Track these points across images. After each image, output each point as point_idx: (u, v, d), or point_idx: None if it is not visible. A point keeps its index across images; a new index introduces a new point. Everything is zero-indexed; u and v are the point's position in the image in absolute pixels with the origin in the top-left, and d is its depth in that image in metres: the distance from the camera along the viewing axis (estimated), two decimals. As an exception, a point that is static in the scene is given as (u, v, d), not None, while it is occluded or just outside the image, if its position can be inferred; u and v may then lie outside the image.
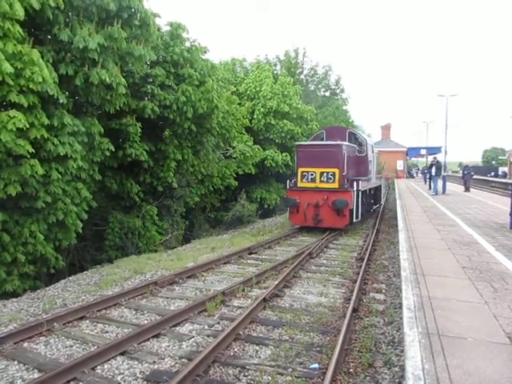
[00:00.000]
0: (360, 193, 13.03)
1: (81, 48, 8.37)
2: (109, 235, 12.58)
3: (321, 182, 12.85)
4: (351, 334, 5.30)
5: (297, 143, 14.05)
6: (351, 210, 12.66)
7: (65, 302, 6.67)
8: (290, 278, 7.91)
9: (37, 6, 7.47)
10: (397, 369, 4.38)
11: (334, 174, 12.66)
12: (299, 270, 8.51)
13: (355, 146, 15.11)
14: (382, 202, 21.04)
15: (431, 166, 22.87)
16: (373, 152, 16.90)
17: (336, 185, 12.66)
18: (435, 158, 24.43)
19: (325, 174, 12.74)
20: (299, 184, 13.18)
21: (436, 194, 22.24)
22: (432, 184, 23.72)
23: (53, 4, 7.86)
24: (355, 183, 12.85)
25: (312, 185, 12.94)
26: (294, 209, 13.03)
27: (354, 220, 12.95)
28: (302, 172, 13.07)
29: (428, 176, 27.63)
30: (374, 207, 19.06)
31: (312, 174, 12.91)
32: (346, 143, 13.62)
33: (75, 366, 4.27)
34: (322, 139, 15.10)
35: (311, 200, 12.69)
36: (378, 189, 19.40)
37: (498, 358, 3.60)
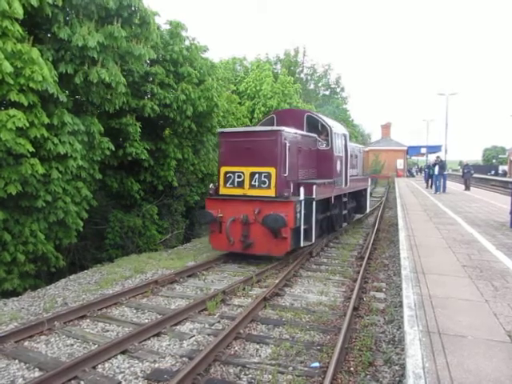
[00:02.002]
0: (314, 203, 9.09)
1: (80, 46, 8.36)
2: (109, 234, 12.59)
3: (251, 187, 8.83)
4: (352, 332, 5.30)
5: (219, 130, 10.01)
6: (296, 229, 8.66)
7: (65, 300, 6.68)
8: (291, 276, 7.92)
9: (35, 3, 7.45)
10: (397, 367, 4.38)
11: (268, 176, 8.66)
12: (299, 269, 8.52)
13: (314, 135, 10.88)
14: (367, 209, 16.34)
15: (435, 164, 22.77)
16: (345, 145, 12.27)
17: (272, 192, 8.63)
18: (438, 156, 24.28)
19: (256, 176, 8.77)
20: (221, 190, 9.20)
21: (437, 192, 22.24)
22: (431, 182, 23.67)
23: (51, 1, 7.85)
24: (303, 189, 8.78)
25: (239, 191, 8.94)
26: (216, 227, 9.01)
27: (303, 243, 8.85)
28: (226, 173, 9.12)
29: (427, 174, 27.61)
30: (358, 216, 16.02)
31: (239, 176, 8.94)
32: (290, 130, 9.31)
33: (76, 364, 4.27)
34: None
35: (237, 214, 8.69)
36: (359, 194, 15.19)
37: (499, 357, 3.61)
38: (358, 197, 15.17)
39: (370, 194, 18.84)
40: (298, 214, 8.61)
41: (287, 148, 8.77)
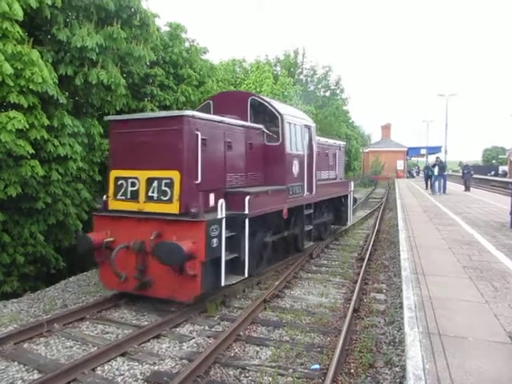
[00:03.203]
0: (247, 221, 6.41)
1: (78, 47, 8.37)
2: (109, 236, 12.57)
3: (148, 199, 6.16)
4: (352, 334, 5.29)
5: (108, 117, 7.04)
6: (215, 262, 5.93)
7: (65, 302, 6.67)
8: (291, 278, 7.90)
9: (34, 4, 7.46)
10: (398, 369, 4.37)
11: (170, 184, 5.97)
12: (299, 271, 8.50)
13: (259, 126, 8.08)
14: (350, 220, 13.44)
15: (434, 165, 22.91)
16: (310, 140, 9.64)
17: (174, 207, 5.93)
18: (438, 157, 24.46)
19: (155, 184, 6.11)
20: (111, 204, 6.53)
21: (437, 193, 22.30)
22: (431, 183, 23.78)
23: (50, 3, 7.87)
24: (223, 202, 6.04)
25: (133, 206, 6.26)
26: (105, 256, 6.25)
27: (225, 282, 6.05)
28: (117, 178, 6.48)
29: (426, 175, 27.70)
30: (342, 229, 13.34)
31: (133, 184, 6.31)
32: (208, 116, 6.69)
33: (75, 367, 4.26)
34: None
35: (132, 239, 6.04)
36: (338, 202, 12.41)
37: (499, 358, 3.60)
38: (337, 205, 12.46)
39: (355, 200, 15.13)
40: (216, 240, 5.84)
41: (199, 142, 5.97)
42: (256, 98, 8.55)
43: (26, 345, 5.04)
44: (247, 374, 4.37)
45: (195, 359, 4.39)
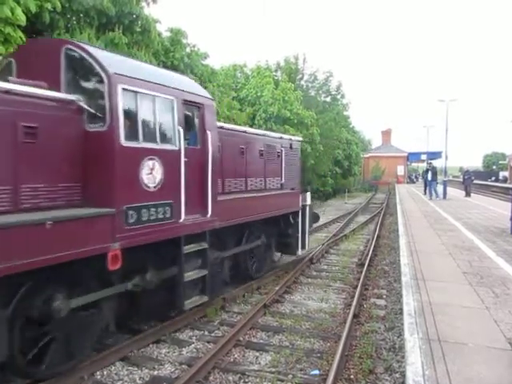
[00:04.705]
0: None
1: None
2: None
3: None
4: (352, 339, 5.28)
5: None
6: None
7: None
8: (291, 283, 7.89)
9: (33, 8, 7.51)
10: (398, 375, 4.35)
11: None
12: (300, 276, 8.48)
13: (69, 98, 4.38)
14: (305, 246, 9.19)
15: (427, 171, 23.41)
16: (203, 125, 5.70)
17: None
18: (430, 163, 25.11)
19: None
20: None
21: (432, 198, 22.40)
22: (428, 189, 24.01)
23: (50, 7, 7.92)
24: None
25: None
26: None
27: None
28: None
29: (425, 181, 27.93)
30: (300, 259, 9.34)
31: None
32: None
33: (74, 372, 4.25)
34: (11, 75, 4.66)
35: None
36: (285, 222, 8.76)
37: (499, 364, 3.59)
38: (285, 227, 8.79)
39: (317, 217, 10.90)
40: None
41: None
42: (74, 48, 4.65)
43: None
44: (246, 380, 4.35)
45: (195, 364, 4.38)
